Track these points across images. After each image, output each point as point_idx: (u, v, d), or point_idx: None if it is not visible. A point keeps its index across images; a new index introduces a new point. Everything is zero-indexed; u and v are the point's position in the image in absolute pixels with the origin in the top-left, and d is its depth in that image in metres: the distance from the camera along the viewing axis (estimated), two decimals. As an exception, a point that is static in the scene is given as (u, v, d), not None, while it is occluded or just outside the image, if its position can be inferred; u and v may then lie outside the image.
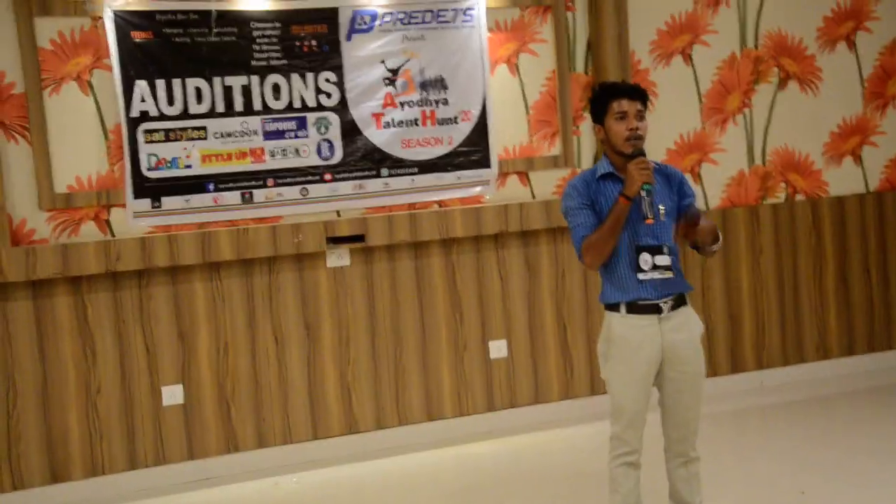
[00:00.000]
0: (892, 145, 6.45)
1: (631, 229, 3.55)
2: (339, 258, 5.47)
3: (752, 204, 6.18)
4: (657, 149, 5.95)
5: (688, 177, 5.95)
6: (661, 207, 3.59)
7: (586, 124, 5.90)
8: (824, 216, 6.29)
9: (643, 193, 3.48)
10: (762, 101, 6.21)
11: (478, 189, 5.70)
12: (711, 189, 6.13)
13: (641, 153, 3.54)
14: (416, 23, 5.54)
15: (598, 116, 3.65)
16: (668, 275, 3.59)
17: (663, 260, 3.58)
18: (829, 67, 6.31)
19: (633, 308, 3.57)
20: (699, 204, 6.03)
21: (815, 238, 6.28)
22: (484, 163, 5.70)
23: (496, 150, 5.71)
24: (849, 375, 6.31)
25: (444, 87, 5.61)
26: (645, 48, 5.98)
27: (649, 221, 3.49)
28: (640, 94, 3.63)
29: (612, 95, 3.62)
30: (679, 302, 3.62)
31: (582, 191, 3.63)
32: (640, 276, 3.55)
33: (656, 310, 3.57)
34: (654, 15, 5.97)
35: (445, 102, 5.61)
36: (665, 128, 6.01)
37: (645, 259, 3.56)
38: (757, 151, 6.21)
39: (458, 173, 5.66)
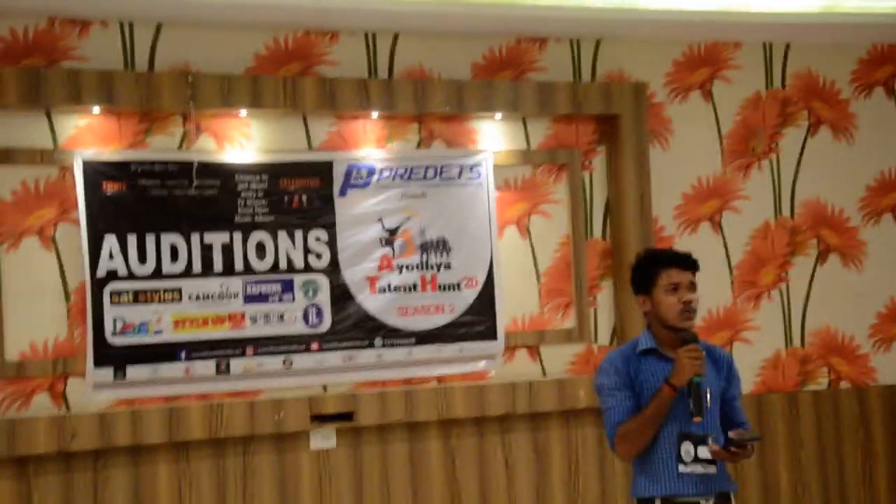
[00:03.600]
0: (948, 328, 6.34)
1: (673, 414, 3.52)
2: (324, 439, 5.28)
3: (790, 390, 6.00)
4: (684, 325, 5.82)
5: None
6: (709, 390, 3.58)
7: (603, 295, 5.81)
8: (873, 407, 6.10)
9: (691, 387, 3.49)
10: (800, 275, 6.12)
11: (482, 364, 5.57)
12: (744, 372, 5.92)
13: (695, 338, 3.55)
14: (418, 179, 5.51)
15: (644, 287, 3.67)
16: (712, 469, 3.53)
17: (707, 452, 3.52)
18: (873, 240, 6.25)
19: None
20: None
21: (864, 432, 6.07)
22: (489, 334, 5.57)
23: (503, 320, 5.59)
24: (904, 592, 6.00)
25: (447, 250, 5.54)
26: (669, 213, 5.93)
27: (697, 420, 3.50)
28: (693, 265, 3.68)
29: (663, 265, 3.65)
30: (723, 501, 3.56)
31: (620, 368, 3.60)
32: (681, 468, 3.50)
33: None
34: (679, 178, 5.95)
35: (448, 266, 5.53)
36: (692, 302, 5.90)
37: (687, 449, 3.53)
38: (795, 331, 6.08)
39: (461, 345, 5.53)
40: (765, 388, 5.99)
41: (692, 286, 3.64)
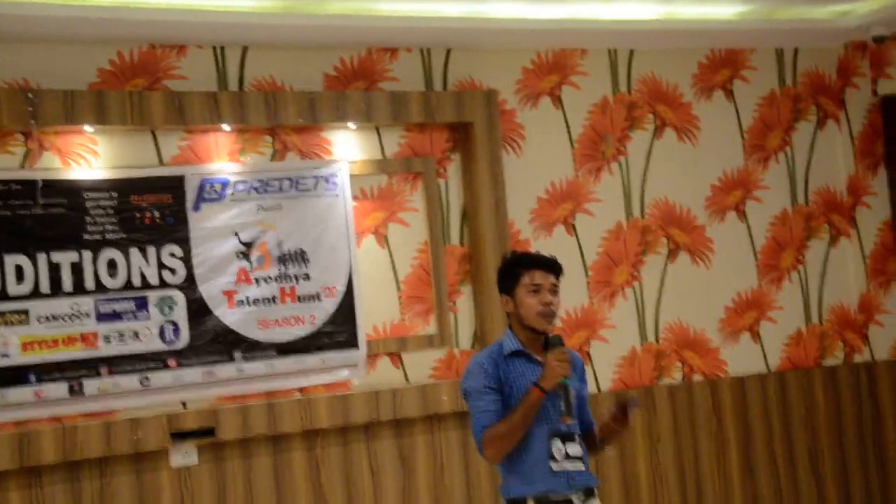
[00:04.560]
0: (791, 321, 6.49)
1: (542, 414, 3.53)
2: (184, 456, 5.14)
3: (646, 385, 6.08)
4: (542, 326, 5.84)
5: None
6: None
7: (463, 300, 5.80)
8: (724, 398, 6.22)
9: (560, 389, 3.51)
10: (652, 273, 6.21)
11: (345, 373, 5.49)
12: (602, 369, 6.02)
13: (560, 341, 3.56)
14: (273, 191, 5.42)
15: (507, 287, 3.67)
16: (580, 466, 3.58)
17: (575, 449, 3.57)
18: (719, 237, 6.38)
19: (544, 503, 3.51)
20: (591, 386, 5.91)
21: (717, 422, 6.18)
22: (351, 344, 5.50)
23: (364, 329, 5.53)
24: (761, 575, 6.13)
25: (306, 261, 5.46)
26: (524, 217, 5.95)
27: (567, 421, 3.53)
28: (555, 268, 3.69)
29: (526, 266, 3.66)
30: (589, 495, 3.59)
31: (489, 370, 3.58)
32: (553, 466, 3.51)
33: None
34: (532, 182, 5.98)
35: (307, 277, 5.45)
36: (549, 303, 5.93)
37: (557, 447, 3.54)
38: (649, 328, 6.16)
39: (322, 356, 5.45)
40: (622, 384, 6.05)
41: (554, 289, 3.66)
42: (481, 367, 3.62)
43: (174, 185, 5.21)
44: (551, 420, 3.56)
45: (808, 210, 6.58)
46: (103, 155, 5.14)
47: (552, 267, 3.70)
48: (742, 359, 6.34)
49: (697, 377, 6.23)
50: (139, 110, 5.08)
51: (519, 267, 3.68)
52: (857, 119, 6.64)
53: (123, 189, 5.11)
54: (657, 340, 6.17)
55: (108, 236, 5.07)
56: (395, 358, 5.65)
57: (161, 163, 5.26)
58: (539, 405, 3.50)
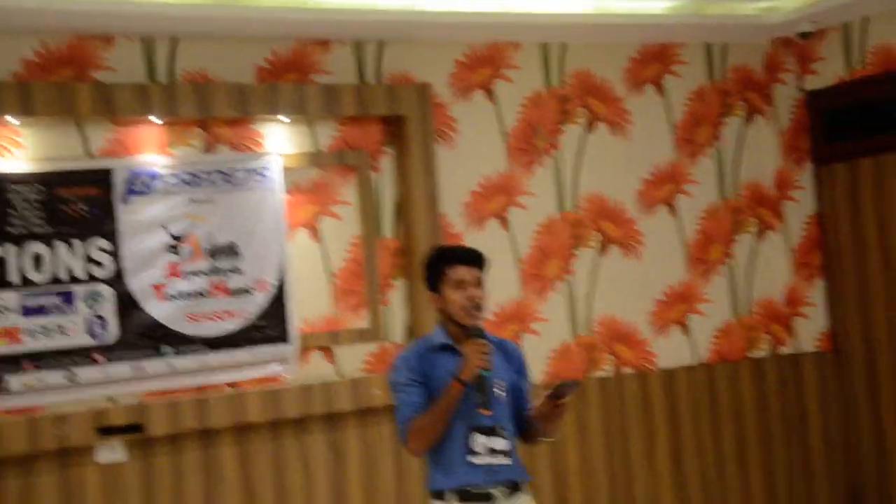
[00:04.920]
0: (719, 314, 6.57)
1: (464, 408, 3.51)
2: (111, 452, 5.07)
3: (577, 378, 6.10)
4: (474, 320, 5.85)
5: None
6: (500, 382, 3.60)
7: (396, 293, 5.79)
8: (653, 391, 6.29)
9: (480, 379, 3.48)
10: (584, 266, 6.25)
11: (276, 367, 5.45)
12: (535, 362, 6.02)
13: (480, 333, 3.54)
14: (204, 184, 5.36)
15: (433, 284, 3.65)
16: (505, 461, 3.57)
17: (499, 443, 3.56)
18: (650, 231, 6.43)
19: (463, 496, 3.51)
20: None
21: (646, 414, 6.25)
22: (282, 338, 5.47)
23: (296, 323, 5.50)
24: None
25: (236, 255, 5.41)
26: (458, 210, 5.95)
27: (486, 413, 3.49)
28: (478, 261, 3.67)
29: (449, 262, 3.64)
30: (513, 490, 3.59)
31: (413, 364, 3.58)
32: (472, 458, 3.50)
33: (488, 498, 3.52)
34: (466, 176, 5.98)
35: (238, 271, 5.41)
36: (482, 297, 5.94)
37: (479, 441, 3.54)
38: (581, 321, 6.21)
39: (254, 350, 5.41)
40: (554, 377, 6.08)
41: (479, 283, 3.65)
42: (406, 361, 3.64)
43: (102, 178, 5.13)
44: (472, 413, 3.54)
45: (737, 204, 6.67)
46: (29, 147, 5.04)
47: (475, 260, 3.68)
48: (672, 351, 6.41)
49: (628, 370, 6.28)
50: (66, 102, 4.99)
51: (441, 263, 3.67)
52: (784, 114, 6.74)
53: (50, 182, 5.02)
54: (589, 333, 6.22)
55: (33, 230, 4.98)
56: (328, 352, 5.63)
57: (89, 155, 5.18)
58: (459, 397, 3.50)
